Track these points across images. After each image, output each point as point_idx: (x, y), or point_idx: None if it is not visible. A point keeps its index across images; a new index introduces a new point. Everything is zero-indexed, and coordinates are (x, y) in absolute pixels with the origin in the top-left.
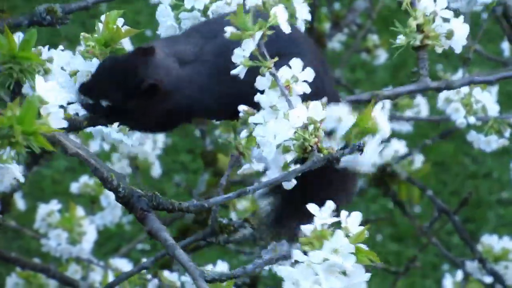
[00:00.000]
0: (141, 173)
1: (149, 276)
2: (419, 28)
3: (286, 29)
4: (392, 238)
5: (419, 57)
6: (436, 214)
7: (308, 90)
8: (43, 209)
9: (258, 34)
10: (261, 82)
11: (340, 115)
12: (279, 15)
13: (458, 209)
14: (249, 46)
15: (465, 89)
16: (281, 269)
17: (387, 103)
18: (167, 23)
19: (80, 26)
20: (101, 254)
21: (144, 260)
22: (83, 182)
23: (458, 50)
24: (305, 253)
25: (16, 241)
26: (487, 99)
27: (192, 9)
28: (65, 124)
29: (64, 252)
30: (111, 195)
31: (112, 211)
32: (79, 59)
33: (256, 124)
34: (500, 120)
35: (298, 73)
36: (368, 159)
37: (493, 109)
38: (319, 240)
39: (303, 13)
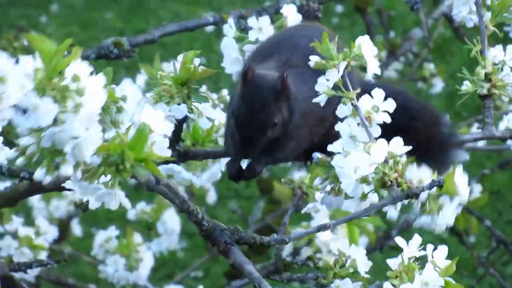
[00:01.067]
0: (197, 200)
1: None
2: (487, 77)
3: (372, 63)
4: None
5: (485, 106)
6: (495, 245)
7: (389, 120)
8: (101, 235)
9: (343, 65)
10: (342, 110)
11: (421, 178)
12: (364, 46)
13: None
14: (333, 76)
15: None
16: None
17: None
18: (231, 55)
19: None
20: (155, 280)
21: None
22: (140, 209)
23: None
24: (394, 286)
25: (71, 267)
26: None
27: (256, 42)
28: (169, 153)
29: (121, 279)
30: (168, 221)
31: (168, 237)
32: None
33: (335, 153)
34: None
35: (379, 103)
36: (445, 221)
37: None
38: (408, 274)
39: (374, 67)
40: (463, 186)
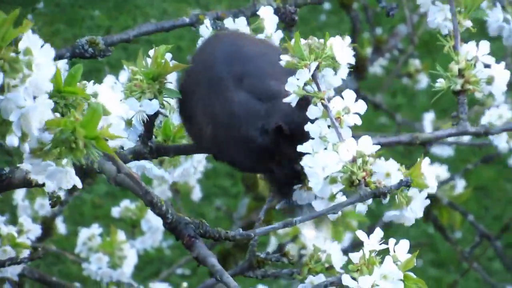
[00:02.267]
0: (182, 197)
1: None
2: (460, 73)
3: (342, 61)
4: (433, 263)
5: (459, 102)
6: (478, 239)
7: (359, 122)
8: (84, 233)
9: (314, 65)
10: (312, 111)
11: (389, 171)
12: (335, 46)
13: (500, 235)
14: (304, 76)
15: (508, 114)
16: None
17: (429, 126)
18: None
19: (122, 51)
20: (141, 278)
21: (185, 284)
22: (124, 206)
23: (498, 96)
24: (354, 279)
25: (56, 265)
26: None
27: None
28: (125, 135)
29: (105, 276)
30: (152, 220)
31: (152, 235)
32: (133, 101)
33: (304, 153)
34: None
35: (350, 105)
36: (414, 214)
37: None
38: (368, 267)
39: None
40: (431, 178)
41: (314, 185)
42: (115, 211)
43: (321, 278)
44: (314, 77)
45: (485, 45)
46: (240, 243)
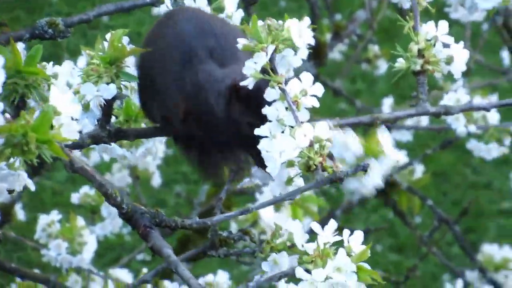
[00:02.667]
0: (142, 183)
1: (149, 286)
2: (420, 53)
3: (300, 43)
4: (392, 248)
5: (418, 82)
6: (436, 224)
7: (317, 104)
8: (43, 219)
9: (271, 48)
10: (270, 94)
11: (346, 141)
12: (293, 29)
13: (458, 219)
14: (261, 59)
15: (466, 98)
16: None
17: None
18: None
19: (81, 37)
20: (102, 265)
21: (144, 270)
22: (84, 193)
23: (457, 76)
24: (307, 271)
25: (16, 252)
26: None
27: None
28: (77, 136)
29: (64, 262)
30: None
31: (112, 221)
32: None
33: (261, 136)
34: (500, 128)
35: (308, 87)
36: (373, 183)
37: (494, 118)
38: (322, 259)
39: (307, 38)
40: (388, 146)
41: (271, 169)
42: (75, 197)
43: (283, 256)
44: (271, 61)
45: (444, 25)
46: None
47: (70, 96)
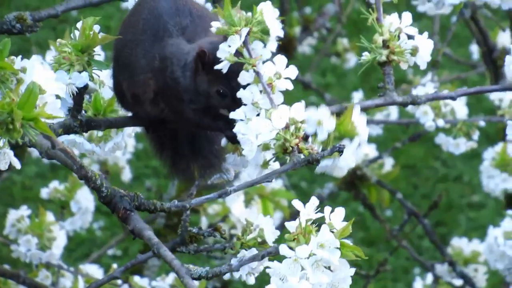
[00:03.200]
0: (112, 178)
1: (119, 282)
2: (385, 44)
3: (274, 27)
4: (363, 241)
5: (384, 73)
6: (406, 218)
7: (291, 87)
8: (13, 214)
9: (245, 31)
10: (244, 77)
11: (320, 119)
12: (266, 11)
13: (428, 213)
14: (235, 42)
15: (433, 91)
16: (268, 265)
17: None
18: None
19: (50, 31)
20: (72, 260)
21: (115, 265)
22: (53, 188)
23: (423, 66)
24: (291, 249)
25: None
26: (456, 102)
27: None
28: (62, 113)
29: (34, 258)
30: (82, 201)
31: (82, 216)
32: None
33: (237, 120)
34: (468, 123)
35: (281, 70)
36: (346, 163)
37: (462, 112)
38: (305, 236)
39: (276, 30)
40: (362, 126)
41: (248, 152)
42: (44, 192)
43: (253, 252)
44: (245, 43)
45: (408, 16)
46: (171, 223)
47: (53, 74)
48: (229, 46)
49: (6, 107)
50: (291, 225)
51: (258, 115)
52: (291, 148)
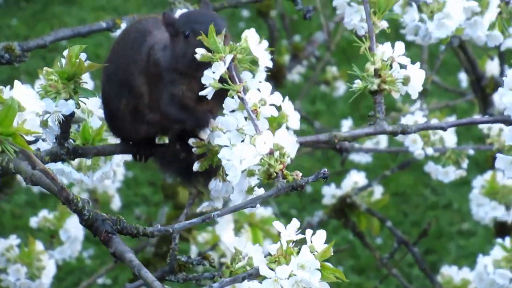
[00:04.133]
0: (101, 206)
1: None
2: (376, 73)
3: (256, 53)
4: (353, 269)
5: (375, 101)
6: (396, 246)
7: (276, 113)
8: (1, 244)
9: (229, 58)
10: (228, 103)
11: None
12: (250, 38)
13: (417, 241)
14: (219, 69)
15: (423, 120)
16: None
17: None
18: None
19: (40, 60)
20: None
21: None
22: (43, 216)
23: (414, 96)
24: (271, 270)
25: None
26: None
27: None
28: (40, 130)
29: (24, 287)
30: (71, 230)
31: (71, 245)
32: (48, 101)
33: (221, 146)
34: (457, 151)
35: (266, 97)
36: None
37: (451, 140)
38: (285, 257)
39: (265, 61)
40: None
41: (232, 178)
42: (33, 221)
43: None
44: (229, 70)
45: (400, 46)
46: (160, 252)
47: (33, 92)
48: (214, 73)
49: None
50: (272, 248)
51: (243, 141)
52: (275, 174)
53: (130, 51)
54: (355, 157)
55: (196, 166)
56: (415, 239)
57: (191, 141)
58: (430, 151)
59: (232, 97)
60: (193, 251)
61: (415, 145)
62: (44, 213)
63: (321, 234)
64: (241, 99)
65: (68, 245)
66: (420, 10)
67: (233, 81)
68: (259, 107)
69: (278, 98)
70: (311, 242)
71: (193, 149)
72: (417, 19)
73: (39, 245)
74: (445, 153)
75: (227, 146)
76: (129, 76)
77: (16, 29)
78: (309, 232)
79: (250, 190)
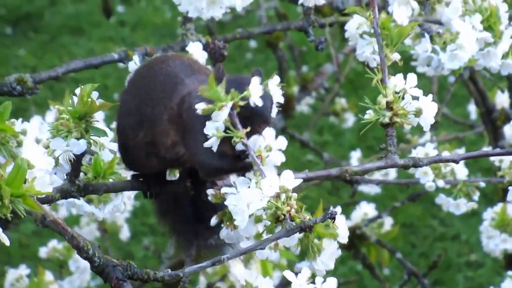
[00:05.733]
0: (110, 236)
1: None
2: (388, 106)
3: (258, 102)
4: None
5: (387, 134)
6: (406, 277)
7: (283, 159)
8: (12, 274)
9: (229, 104)
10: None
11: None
12: (252, 88)
13: (427, 272)
14: (219, 117)
15: (434, 152)
16: None
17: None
18: None
19: (48, 90)
20: None
21: None
22: (52, 247)
23: (426, 128)
24: None
25: None
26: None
27: None
28: (50, 188)
29: None
30: (80, 260)
31: (80, 275)
32: (59, 140)
33: (228, 193)
34: (468, 183)
35: (271, 142)
36: (325, 265)
37: (462, 173)
38: None
39: (277, 96)
40: (343, 227)
41: (240, 222)
42: (43, 251)
43: None
44: (231, 116)
45: (412, 78)
46: (169, 282)
47: (42, 149)
48: (215, 122)
49: None
50: None
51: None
52: (283, 216)
53: (161, 93)
54: (364, 188)
55: (213, 221)
56: (423, 270)
57: (209, 191)
58: (441, 183)
59: (236, 144)
60: (202, 282)
61: (426, 177)
62: (53, 243)
63: (332, 281)
64: (245, 145)
65: (77, 275)
66: (432, 41)
67: (236, 127)
68: (264, 153)
69: (283, 142)
70: None
71: (209, 198)
72: (430, 50)
73: (48, 275)
74: (456, 185)
75: (233, 193)
76: (155, 116)
77: (24, 59)
78: (319, 280)
79: (258, 236)
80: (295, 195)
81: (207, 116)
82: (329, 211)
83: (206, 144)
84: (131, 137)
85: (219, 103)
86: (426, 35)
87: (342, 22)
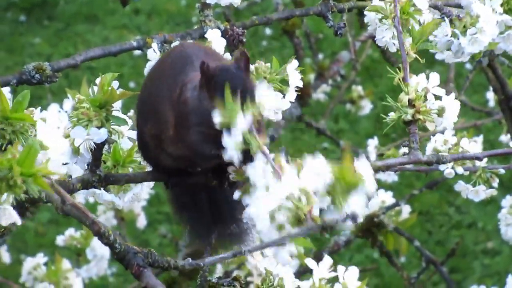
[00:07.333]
0: (126, 224)
1: None
2: (410, 103)
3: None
4: None
5: (410, 131)
6: (424, 265)
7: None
8: (29, 262)
9: (248, 119)
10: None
11: (319, 171)
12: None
13: (445, 260)
14: (238, 131)
15: (453, 139)
16: None
17: (373, 152)
18: None
19: (64, 78)
20: None
21: None
22: (69, 235)
23: (449, 127)
24: None
25: None
26: (475, 149)
27: None
28: (64, 170)
29: None
30: (97, 248)
31: (97, 263)
32: (80, 129)
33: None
34: (488, 170)
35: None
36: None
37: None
38: None
39: (295, 80)
40: (368, 175)
41: (261, 227)
42: (60, 240)
43: None
44: (250, 129)
45: (435, 76)
46: (186, 271)
47: (57, 131)
48: (235, 136)
49: (6, 163)
50: (304, 285)
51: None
52: (304, 217)
53: (168, 77)
54: (381, 176)
55: (236, 195)
56: (440, 258)
57: (230, 168)
58: (460, 170)
59: (255, 154)
60: (219, 269)
61: (444, 164)
62: (70, 231)
63: (354, 270)
64: (265, 155)
65: (94, 263)
66: (452, 25)
67: (252, 135)
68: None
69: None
70: (344, 279)
71: (230, 176)
72: (450, 34)
73: (66, 264)
74: (474, 172)
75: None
76: (159, 104)
77: (39, 47)
78: (341, 269)
79: (281, 227)
80: (315, 197)
81: (201, 112)
82: (351, 212)
83: (226, 158)
84: (143, 129)
85: (235, 118)
86: (446, 19)
87: (361, 7)
